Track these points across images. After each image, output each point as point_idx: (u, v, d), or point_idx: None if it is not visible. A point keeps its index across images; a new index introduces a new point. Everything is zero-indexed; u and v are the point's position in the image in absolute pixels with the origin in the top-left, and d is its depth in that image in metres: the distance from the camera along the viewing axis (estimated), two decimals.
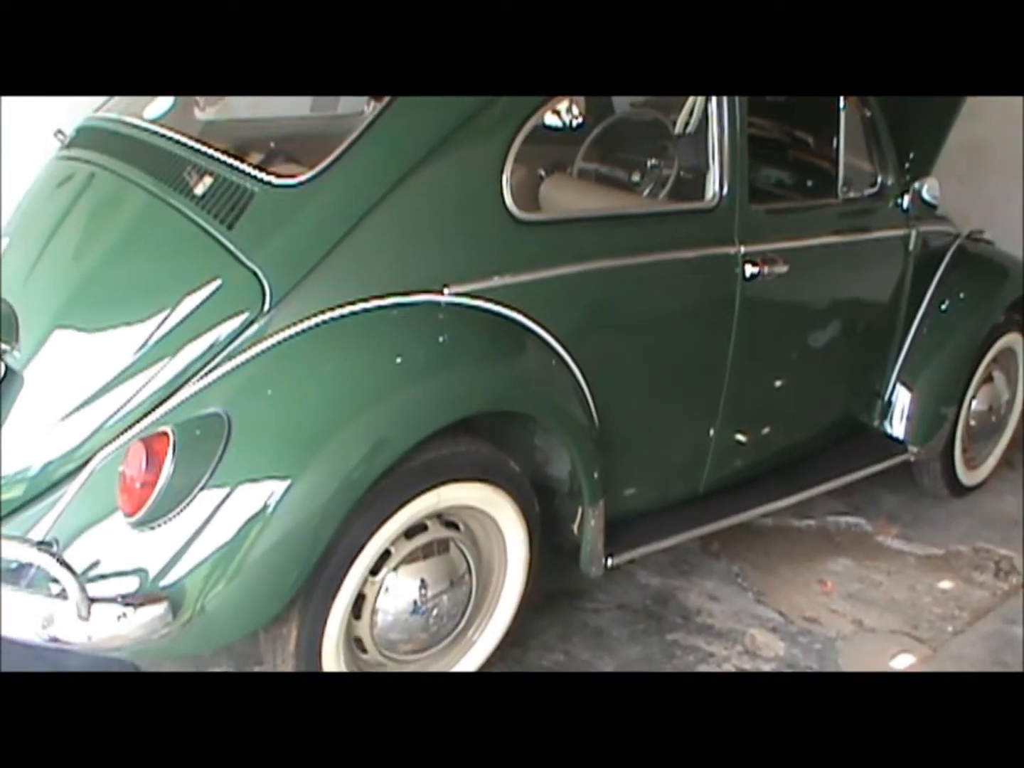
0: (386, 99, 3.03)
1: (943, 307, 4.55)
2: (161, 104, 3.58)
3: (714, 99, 3.50)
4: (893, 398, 4.50)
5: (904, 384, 4.50)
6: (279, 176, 2.97)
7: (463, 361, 3.01)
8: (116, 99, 3.63)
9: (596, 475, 3.23)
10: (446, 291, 2.96)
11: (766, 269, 3.60)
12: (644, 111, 4.60)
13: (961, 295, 4.60)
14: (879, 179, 4.24)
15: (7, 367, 2.98)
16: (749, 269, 3.57)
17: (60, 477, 2.83)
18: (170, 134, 3.26)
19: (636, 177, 4.31)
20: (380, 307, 2.89)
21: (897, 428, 4.49)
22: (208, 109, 3.87)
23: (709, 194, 3.53)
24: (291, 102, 4.41)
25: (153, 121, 3.41)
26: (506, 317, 3.06)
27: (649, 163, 4.25)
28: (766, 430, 4.04)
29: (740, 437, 3.89)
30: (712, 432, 3.75)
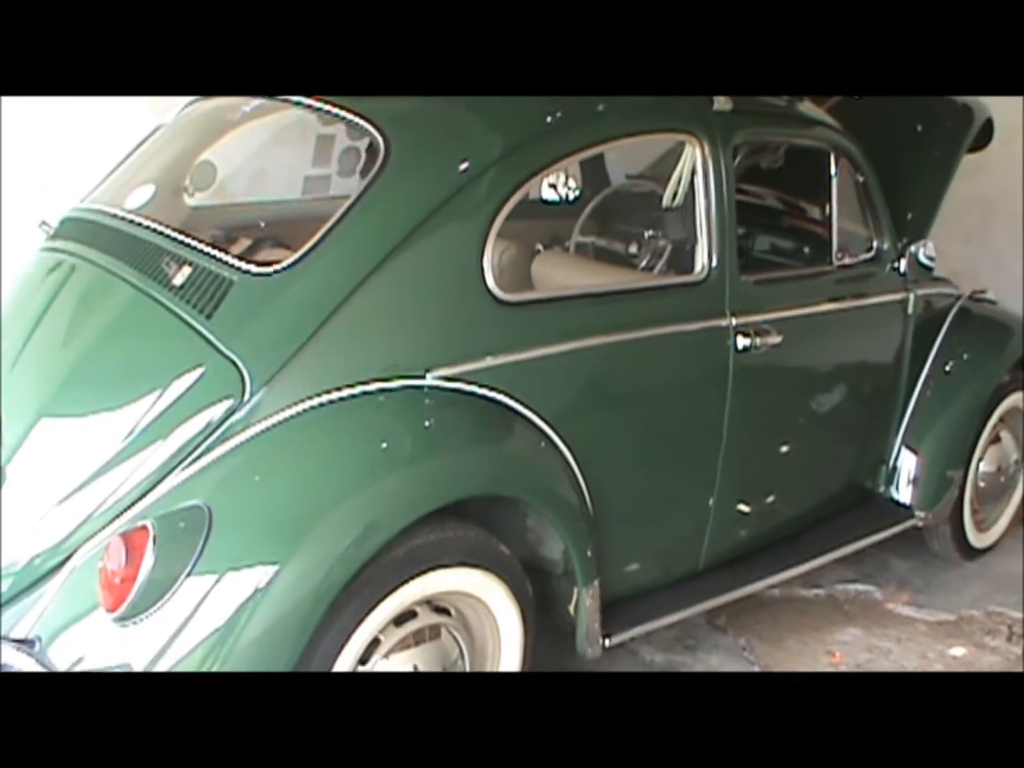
0: (364, 183, 3.05)
1: (946, 369, 4.52)
2: (143, 194, 3.62)
3: (700, 171, 3.52)
4: (898, 463, 4.46)
5: (909, 448, 4.45)
6: (258, 264, 2.98)
7: (449, 446, 2.98)
8: (100, 189, 3.67)
9: (589, 555, 3.19)
10: (428, 376, 2.95)
11: (759, 340, 3.59)
12: (640, 183, 4.63)
13: (964, 356, 4.57)
14: (875, 244, 4.23)
15: None
16: (741, 341, 3.56)
17: (46, 571, 2.81)
18: (151, 224, 3.28)
19: (633, 249, 4.28)
20: (363, 393, 2.88)
21: (903, 493, 4.45)
22: (197, 195, 3.88)
23: (698, 267, 3.52)
24: (284, 185, 4.46)
25: (135, 211, 3.44)
26: (492, 400, 3.05)
27: (646, 235, 4.22)
28: (769, 499, 4.00)
29: (742, 508, 3.85)
30: (711, 503, 3.71)
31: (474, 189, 3.08)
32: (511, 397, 3.06)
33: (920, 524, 4.46)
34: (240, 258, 3.03)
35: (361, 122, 3.23)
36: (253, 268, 2.96)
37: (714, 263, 3.51)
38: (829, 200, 4.01)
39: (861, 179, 4.14)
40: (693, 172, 3.55)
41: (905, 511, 4.44)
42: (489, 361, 3.04)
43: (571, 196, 4.76)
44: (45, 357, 3.23)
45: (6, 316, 3.44)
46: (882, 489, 4.47)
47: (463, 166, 3.09)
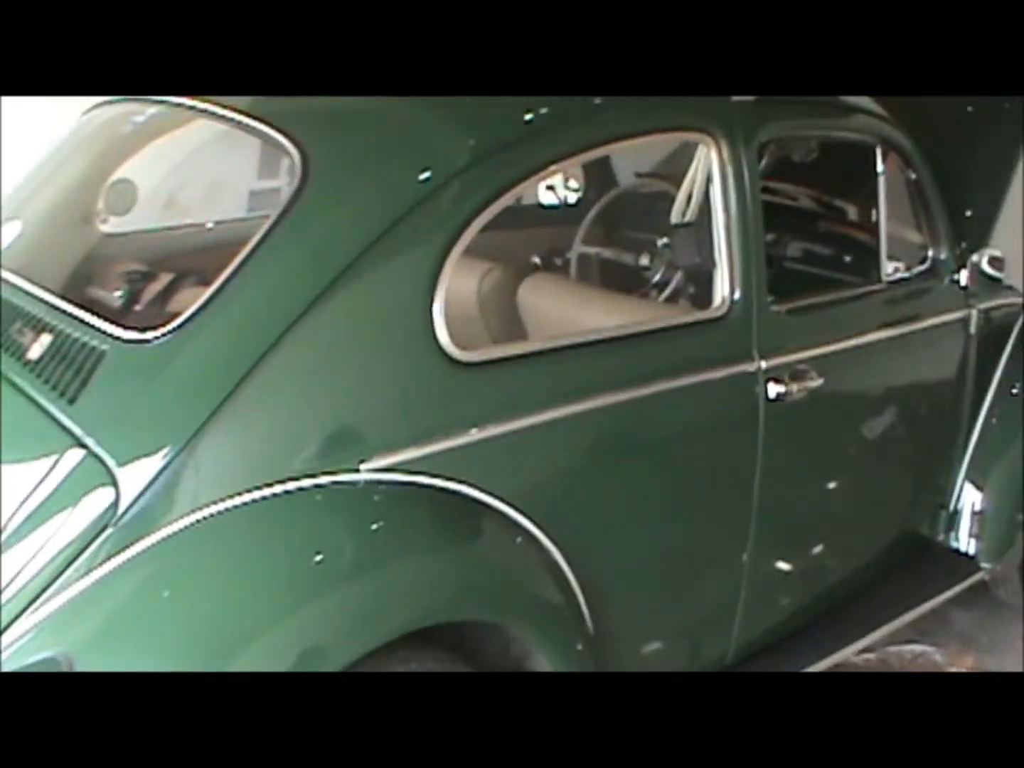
0: (274, 215, 2.41)
1: (1014, 391, 3.97)
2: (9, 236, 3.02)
3: (717, 179, 2.89)
4: (959, 506, 3.92)
5: (973, 484, 3.90)
6: (138, 329, 2.31)
7: (396, 559, 2.30)
8: None
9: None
10: (363, 467, 2.27)
11: (795, 387, 2.97)
12: (651, 182, 4.09)
13: None
14: (930, 253, 3.65)
15: None
16: (773, 388, 2.93)
17: None
18: (10, 278, 2.67)
19: (645, 260, 3.73)
20: (286, 492, 2.21)
21: (966, 542, 3.89)
22: (113, 219, 3.23)
23: (717, 299, 2.88)
24: (228, 203, 3.84)
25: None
26: (453, 492, 2.38)
27: (660, 243, 3.69)
28: (815, 551, 3.44)
29: (782, 565, 3.29)
30: (744, 579, 3.12)
31: (434, 206, 2.44)
32: (477, 488, 2.40)
33: (987, 578, 3.92)
34: (112, 321, 2.36)
35: (267, 129, 2.64)
36: (131, 335, 2.30)
37: (736, 294, 2.87)
38: (876, 203, 3.43)
39: (914, 176, 3.55)
40: (708, 180, 2.91)
41: (969, 563, 3.88)
42: (448, 442, 2.37)
43: (572, 199, 4.22)
44: None
45: None
46: (941, 537, 3.91)
47: (423, 175, 2.45)
